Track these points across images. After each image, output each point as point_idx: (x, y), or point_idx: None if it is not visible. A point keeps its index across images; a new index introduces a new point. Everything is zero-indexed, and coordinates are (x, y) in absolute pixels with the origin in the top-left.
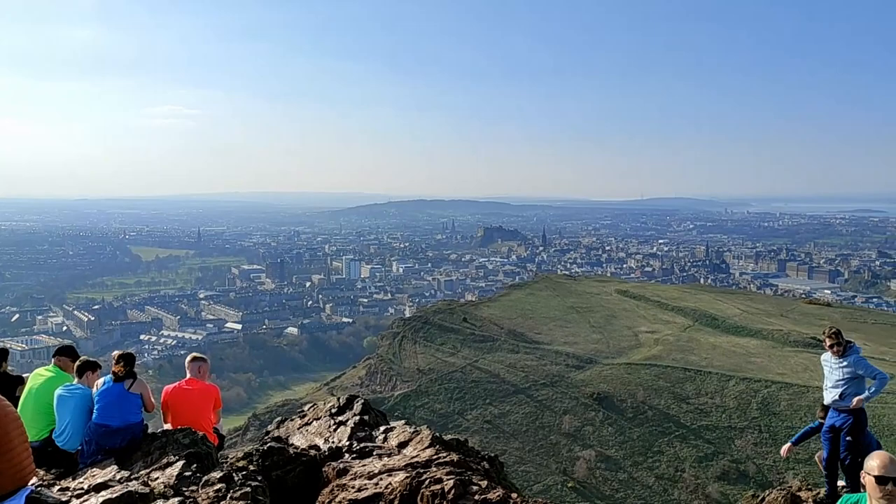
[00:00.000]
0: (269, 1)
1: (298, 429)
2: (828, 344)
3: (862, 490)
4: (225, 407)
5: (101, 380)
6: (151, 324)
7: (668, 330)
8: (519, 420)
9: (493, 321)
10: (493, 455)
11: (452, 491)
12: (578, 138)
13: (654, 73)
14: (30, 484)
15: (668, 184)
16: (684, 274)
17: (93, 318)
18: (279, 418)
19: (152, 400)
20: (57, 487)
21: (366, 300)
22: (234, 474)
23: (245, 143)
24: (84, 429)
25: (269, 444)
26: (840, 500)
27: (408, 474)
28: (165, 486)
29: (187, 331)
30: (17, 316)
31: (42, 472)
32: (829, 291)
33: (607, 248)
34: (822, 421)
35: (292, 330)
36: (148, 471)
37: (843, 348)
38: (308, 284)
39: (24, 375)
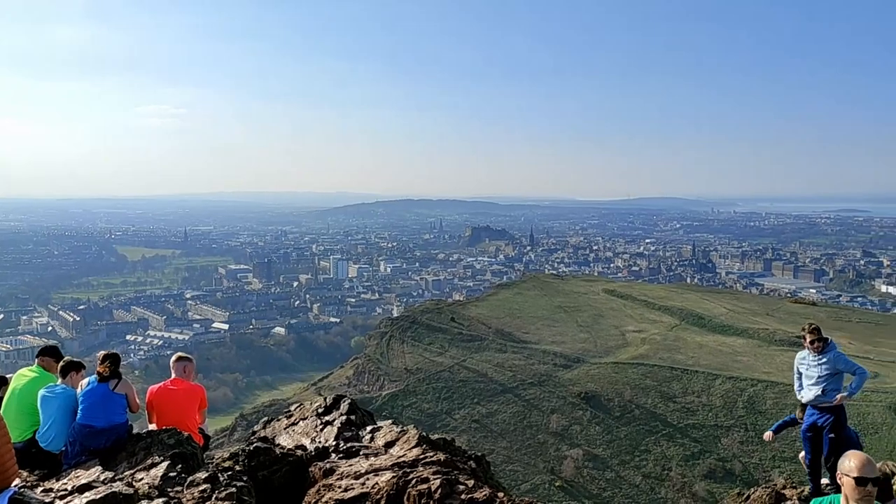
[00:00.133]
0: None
1: (285, 429)
2: (808, 340)
3: (832, 491)
4: (212, 407)
5: (86, 380)
6: (137, 324)
7: (655, 329)
8: (506, 419)
9: (481, 321)
10: (479, 454)
11: (439, 490)
12: (566, 139)
13: (644, 74)
14: (13, 485)
15: (655, 184)
16: (671, 273)
17: (78, 319)
18: (266, 418)
19: (137, 400)
20: (40, 489)
21: (353, 300)
22: (219, 475)
23: (232, 142)
24: (68, 429)
25: (255, 445)
26: (813, 500)
27: (394, 474)
28: (150, 487)
29: (174, 331)
30: (1, 316)
31: (25, 474)
32: (814, 291)
33: (595, 247)
34: (798, 417)
35: (279, 330)
36: (132, 471)
37: (823, 344)
38: (295, 284)
39: (7, 376)
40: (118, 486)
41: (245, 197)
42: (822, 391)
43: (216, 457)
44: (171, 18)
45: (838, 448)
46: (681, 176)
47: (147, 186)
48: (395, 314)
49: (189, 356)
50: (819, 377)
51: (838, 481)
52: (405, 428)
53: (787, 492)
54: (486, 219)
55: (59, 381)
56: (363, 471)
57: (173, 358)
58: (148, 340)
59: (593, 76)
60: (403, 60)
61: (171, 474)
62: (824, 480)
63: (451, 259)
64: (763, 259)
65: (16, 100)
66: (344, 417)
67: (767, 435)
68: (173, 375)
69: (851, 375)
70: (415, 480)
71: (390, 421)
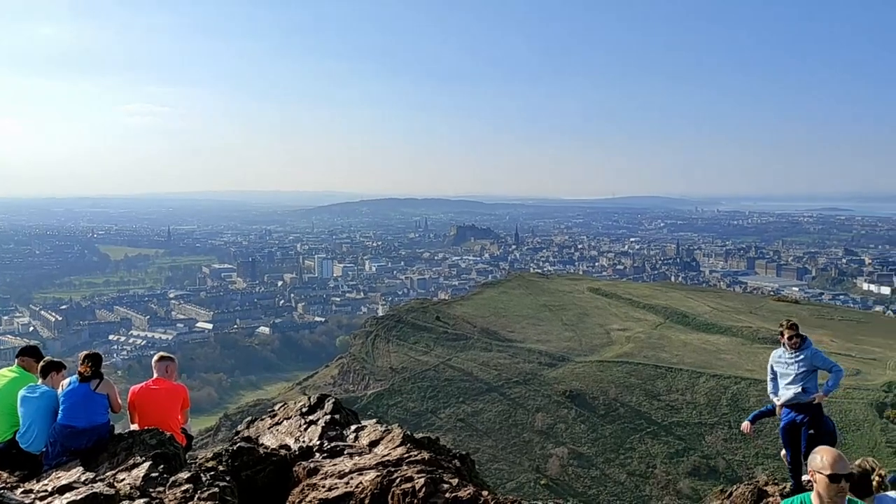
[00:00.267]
0: None
1: (269, 428)
2: (786, 336)
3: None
4: (196, 407)
5: (67, 380)
6: (120, 324)
7: (640, 327)
8: (492, 418)
9: (466, 319)
10: (464, 453)
11: (423, 489)
12: (551, 138)
13: (628, 74)
14: None
15: (639, 183)
16: (655, 272)
17: (60, 319)
18: (249, 418)
19: (119, 400)
20: (20, 490)
21: (338, 299)
22: (202, 475)
23: (216, 142)
24: (48, 430)
25: (238, 445)
26: (783, 501)
27: (378, 473)
28: (132, 488)
29: (157, 331)
30: None
31: (5, 475)
32: (796, 289)
33: (579, 246)
34: (778, 411)
35: (264, 329)
36: (114, 472)
37: (801, 341)
38: (280, 283)
39: None
40: (99, 487)
41: (229, 196)
42: (802, 389)
43: (199, 457)
44: (156, 16)
45: (817, 444)
46: (665, 175)
47: (130, 185)
48: (381, 313)
49: (171, 356)
50: (796, 375)
51: (810, 478)
52: (389, 427)
53: (769, 488)
54: (471, 218)
55: (40, 381)
56: (347, 470)
57: (155, 357)
58: (131, 340)
59: (578, 77)
60: (390, 60)
61: (154, 475)
62: (805, 477)
63: (436, 258)
64: (746, 257)
65: None
66: (328, 417)
67: (745, 425)
68: (155, 375)
69: (827, 373)
70: (399, 479)
71: (374, 420)
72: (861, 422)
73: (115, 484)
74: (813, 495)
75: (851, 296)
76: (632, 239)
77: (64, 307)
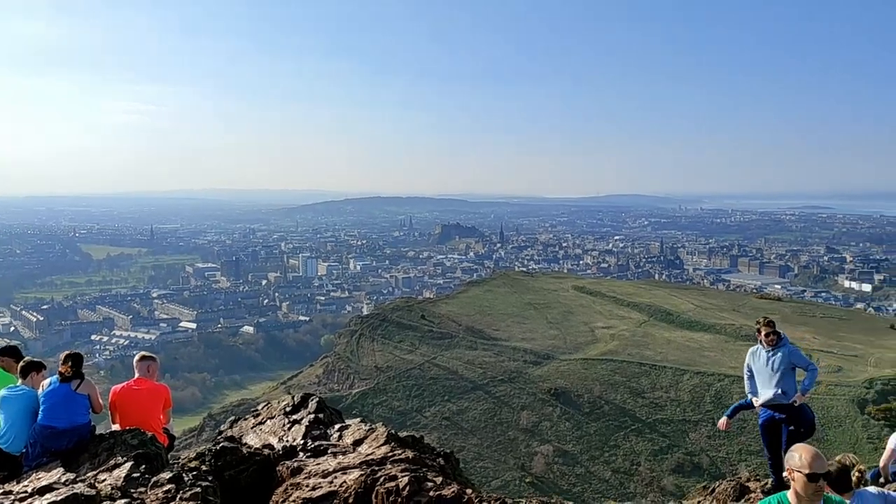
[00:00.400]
0: None
1: (252, 428)
2: (763, 333)
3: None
4: (180, 407)
5: (47, 380)
6: (103, 323)
7: (624, 325)
8: (477, 416)
9: (452, 318)
10: (448, 451)
11: (407, 488)
12: (535, 137)
13: (612, 75)
14: None
15: (623, 181)
16: (639, 270)
17: (42, 319)
18: (233, 418)
19: (100, 401)
20: (0, 491)
21: (323, 298)
22: (184, 475)
23: (199, 140)
24: (28, 430)
25: (221, 444)
26: (760, 502)
27: (362, 472)
28: (113, 488)
29: (140, 330)
30: None
31: None
32: (779, 286)
33: (564, 244)
34: (752, 401)
35: (248, 329)
36: (95, 473)
37: (777, 339)
38: (264, 282)
39: None
40: (80, 488)
41: (212, 195)
42: (782, 392)
43: (182, 457)
44: (137, 13)
45: (798, 440)
46: (649, 174)
47: (112, 184)
48: (365, 312)
49: (152, 355)
50: (773, 373)
51: (788, 476)
52: (373, 426)
53: (751, 484)
54: (456, 216)
55: (20, 381)
56: (331, 469)
57: (136, 357)
58: (114, 340)
59: (563, 77)
60: (375, 59)
61: (135, 475)
62: (786, 473)
63: (421, 257)
64: (729, 255)
65: None
66: (312, 416)
67: (722, 422)
68: (137, 375)
69: (804, 370)
70: (383, 478)
71: (359, 419)
72: (843, 418)
73: (96, 484)
74: (790, 493)
75: (833, 293)
76: (616, 237)
77: (45, 307)
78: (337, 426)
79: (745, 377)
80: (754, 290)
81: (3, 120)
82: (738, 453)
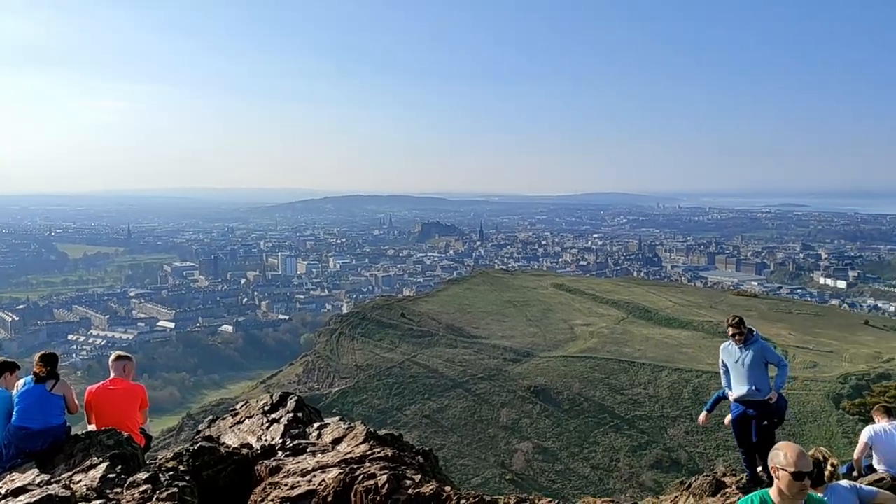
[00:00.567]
0: None
1: (230, 427)
2: (730, 333)
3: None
4: (158, 407)
5: (22, 381)
6: (79, 323)
7: (603, 322)
8: (457, 414)
9: (432, 316)
10: (427, 449)
11: (386, 486)
12: (515, 136)
13: (590, 75)
14: None
15: (602, 180)
16: (618, 267)
17: (17, 319)
18: (211, 417)
19: (76, 401)
20: None
21: (302, 296)
22: (160, 475)
23: (178, 138)
24: (2, 432)
25: (199, 444)
26: (741, 500)
27: (341, 470)
28: (88, 489)
29: (117, 330)
30: None
31: None
32: (755, 283)
33: (543, 242)
34: (728, 395)
35: (227, 328)
36: (70, 474)
37: (745, 337)
38: (243, 281)
39: None
40: (55, 489)
41: (190, 193)
42: (755, 388)
43: (160, 457)
44: (116, 11)
45: (768, 434)
46: (627, 172)
47: (89, 183)
48: (345, 310)
49: (128, 355)
50: (745, 369)
51: (772, 474)
52: (352, 424)
53: (727, 479)
54: (435, 214)
55: None
56: (310, 468)
57: (112, 357)
58: (91, 340)
59: (541, 77)
60: (352, 58)
61: (111, 475)
62: (760, 468)
63: (400, 255)
64: (707, 253)
65: None
66: (291, 415)
67: (702, 417)
68: (112, 375)
69: (775, 366)
70: (362, 476)
71: (338, 418)
72: (818, 413)
73: (72, 485)
74: (773, 491)
75: (809, 290)
76: (595, 235)
77: (21, 307)
78: (316, 425)
79: (721, 372)
80: (731, 288)
81: None
82: (715, 449)
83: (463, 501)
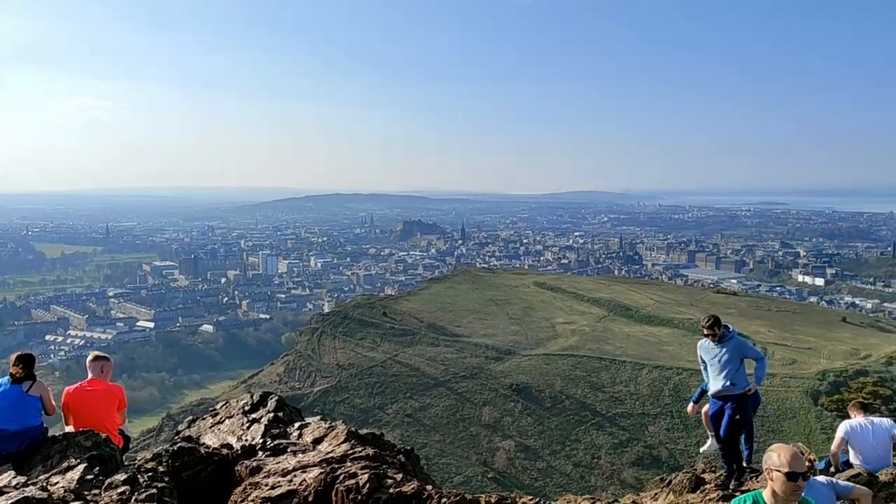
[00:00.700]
0: None
1: (210, 428)
2: (705, 333)
3: (756, 483)
4: (138, 408)
5: None
6: (57, 323)
7: (584, 321)
8: (439, 413)
9: (413, 315)
10: (408, 448)
11: (367, 485)
12: (496, 135)
13: (569, 74)
14: None
15: (583, 178)
16: (599, 266)
17: None
18: (191, 417)
19: (53, 402)
20: None
21: (283, 296)
22: (139, 476)
23: (157, 136)
24: None
25: (179, 445)
26: (734, 500)
27: (322, 470)
28: (66, 491)
29: (96, 330)
30: None
31: None
32: (735, 281)
33: (525, 241)
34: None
35: (207, 327)
36: (47, 475)
37: (720, 337)
38: (223, 280)
39: None
40: (31, 491)
41: (170, 192)
42: (731, 383)
43: (139, 458)
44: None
45: (738, 428)
46: (607, 171)
47: (66, 182)
48: (327, 310)
49: (106, 355)
50: (722, 365)
51: (766, 475)
52: (333, 424)
53: (707, 476)
54: (417, 213)
55: None
56: (290, 468)
57: (89, 357)
58: (69, 340)
59: (522, 76)
60: (335, 56)
61: (88, 477)
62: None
63: (382, 254)
64: (687, 251)
65: None
66: (271, 415)
67: (690, 408)
68: (90, 375)
69: (753, 361)
70: (343, 476)
71: (318, 417)
72: (797, 409)
73: (49, 487)
74: (766, 493)
75: (787, 287)
76: (576, 233)
77: None
78: (297, 425)
79: (702, 368)
80: (711, 285)
81: None
82: (696, 445)
83: (444, 500)
